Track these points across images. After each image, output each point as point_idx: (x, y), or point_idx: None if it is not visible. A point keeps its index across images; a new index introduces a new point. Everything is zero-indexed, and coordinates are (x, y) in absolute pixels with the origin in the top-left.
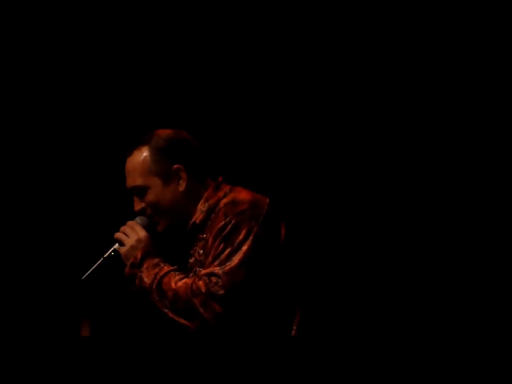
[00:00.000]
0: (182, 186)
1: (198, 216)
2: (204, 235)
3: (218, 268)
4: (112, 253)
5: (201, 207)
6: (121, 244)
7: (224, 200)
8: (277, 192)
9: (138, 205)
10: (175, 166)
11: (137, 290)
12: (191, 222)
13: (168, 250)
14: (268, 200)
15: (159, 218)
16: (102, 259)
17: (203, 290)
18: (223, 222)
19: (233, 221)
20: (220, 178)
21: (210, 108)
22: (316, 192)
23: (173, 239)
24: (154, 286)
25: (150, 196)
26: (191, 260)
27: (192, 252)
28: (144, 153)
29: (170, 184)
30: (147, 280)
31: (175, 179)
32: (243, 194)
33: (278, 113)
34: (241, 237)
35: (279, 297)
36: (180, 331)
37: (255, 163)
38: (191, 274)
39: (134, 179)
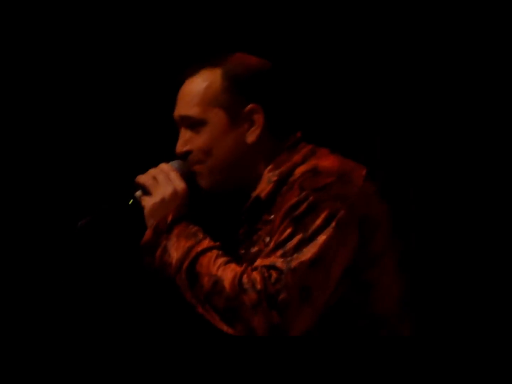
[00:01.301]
0: (252, 135)
1: (264, 188)
2: (272, 216)
3: (281, 260)
4: (130, 202)
5: (269, 174)
6: (146, 192)
7: (302, 168)
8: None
9: (182, 146)
10: (251, 105)
11: (155, 266)
12: (253, 194)
13: (209, 230)
14: (365, 172)
15: (206, 170)
16: (111, 206)
17: (259, 287)
18: (296, 199)
19: (310, 198)
20: (299, 134)
21: None
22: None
23: (219, 212)
24: (185, 265)
25: (204, 136)
26: (253, 250)
27: (254, 239)
28: (213, 77)
29: (237, 128)
30: (175, 253)
31: (245, 123)
32: (329, 161)
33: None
34: (319, 222)
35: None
36: (210, 332)
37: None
38: (245, 264)
39: (188, 107)
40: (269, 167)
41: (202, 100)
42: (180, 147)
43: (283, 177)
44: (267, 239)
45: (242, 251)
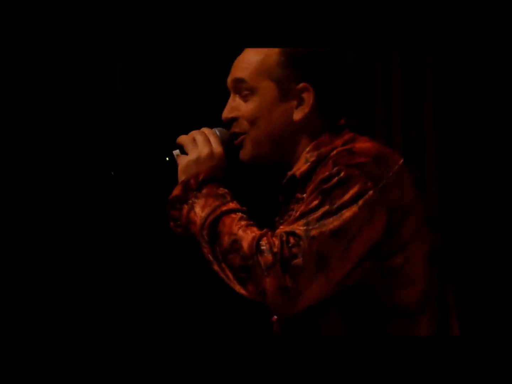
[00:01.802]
0: (300, 113)
1: (300, 167)
2: (304, 195)
3: (303, 228)
4: (167, 159)
5: (308, 155)
6: (183, 151)
7: (340, 148)
8: None
9: (229, 112)
10: (303, 84)
11: (181, 222)
12: (289, 173)
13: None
14: (402, 161)
15: (248, 140)
16: (147, 159)
17: (275, 250)
18: (328, 173)
19: (342, 173)
20: (343, 121)
21: None
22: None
23: (255, 186)
24: (208, 221)
25: (252, 105)
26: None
27: (285, 217)
28: (271, 50)
29: (286, 103)
30: (200, 211)
31: (295, 100)
32: (368, 144)
33: None
34: (346, 197)
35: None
36: (226, 291)
37: None
38: (266, 229)
39: (243, 71)
40: (308, 148)
41: (257, 68)
42: (227, 113)
43: (321, 158)
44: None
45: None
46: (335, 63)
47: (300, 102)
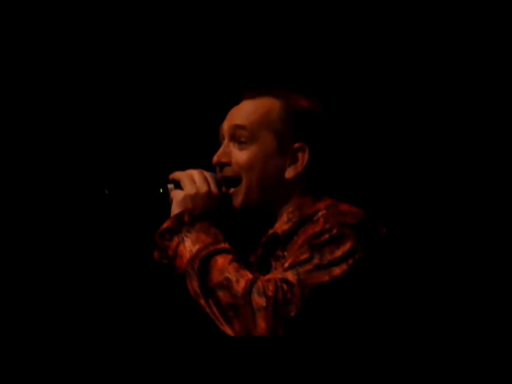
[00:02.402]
0: (292, 171)
1: (282, 226)
2: (285, 253)
3: (295, 277)
4: (161, 191)
5: (290, 215)
6: (179, 187)
7: (326, 210)
8: None
9: (222, 156)
10: (301, 143)
11: (167, 254)
12: (270, 231)
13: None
14: (385, 230)
15: (242, 187)
16: (141, 189)
17: (269, 293)
18: (320, 228)
19: (334, 230)
20: (320, 191)
21: None
22: None
23: (236, 228)
24: (200, 256)
25: (249, 154)
26: None
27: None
28: (273, 105)
29: (281, 158)
30: (191, 245)
31: (289, 157)
32: (354, 209)
33: None
34: (337, 254)
35: None
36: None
37: None
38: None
39: (245, 119)
40: (291, 208)
41: (260, 119)
42: (220, 157)
43: (303, 219)
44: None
45: None
46: (331, 127)
47: (294, 160)
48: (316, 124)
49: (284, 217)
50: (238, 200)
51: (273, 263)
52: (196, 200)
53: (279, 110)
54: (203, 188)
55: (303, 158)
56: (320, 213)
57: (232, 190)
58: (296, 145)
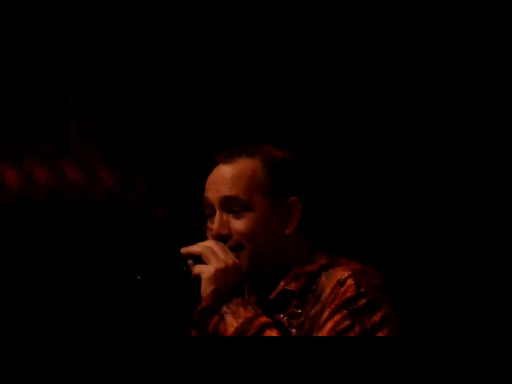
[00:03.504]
0: (290, 226)
1: (292, 283)
2: (299, 311)
3: None
4: (184, 268)
5: (298, 271)
6: (199, 261)
7: (342, 269)
8: None
9: (221, 228)
10: (293, 197)
11: (207, 331)
12: (280, 286)
13: None
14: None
15: (246, 255)
16: (163, 271)
17: None
18: (355, 293)
19: (369, 296)
20: (311, 241)
21: None
22: None
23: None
24: (246, 334)
25: (247, 222)
26: None
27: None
28: (254, 165)
29: (277, 217)
30: (234, 321)
31: (284, 213)
32: (370, 268)
33: None
34: (376, 319)
35: None
36: None
37: None
38: None
39: (233, 189)
40: (294, 262)
41: (248, 185)
42: (219, 229)
43: (311, 275)
44: (293, 331)
45: None
46: (310, 172)
47: (289, 215)
48: (297, 172)
49: (291, 273)
50: (243, 267)
51: (286, 321)
52: (227, 274)
53: (261, 169)
54: (229, 261)
55: (297, 211)
56: (341, 273)
57: (235, 254)
58: (290, 199)
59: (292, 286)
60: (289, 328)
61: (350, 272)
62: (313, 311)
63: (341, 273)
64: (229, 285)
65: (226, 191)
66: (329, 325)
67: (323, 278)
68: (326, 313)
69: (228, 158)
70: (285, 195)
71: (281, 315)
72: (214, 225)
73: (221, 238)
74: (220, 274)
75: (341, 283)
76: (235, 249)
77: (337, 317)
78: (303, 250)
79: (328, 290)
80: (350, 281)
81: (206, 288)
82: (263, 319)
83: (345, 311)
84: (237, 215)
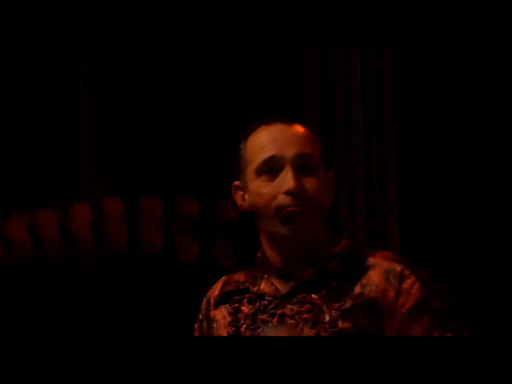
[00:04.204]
0: (330, 198)
1: (328, 263)
2: (339, 294)
3: None
4: None
5: (329, 249)
6: None
7: (389, 259)
8: None
9: (300, 185)
10: (331, 171)
11: None
12: (313, 264)
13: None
14: None
15: (309, 216)
16: None
17: None
18: (423, 294)
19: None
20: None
21: None
22: None
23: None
24: None
25: (317, 182)
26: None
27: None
28: (308, 132)
29: (326, 187)
30: None
31: (328, 186)
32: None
33: None
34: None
35: None
36: None
37: None
38: None
39: (309, 148)
40: (324, 241)
41: (318, 149)
42: (298, 186)
43: (344, 256)
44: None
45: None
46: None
47: (331, 187)
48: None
49: (323, 251)
50: (304, 233)
51: (325, 306)
52: None
53: (313, 137)
54: None
55: (333, 185)
56: (399, 268)
57: (297, 214)
58: (329, 173)
59: (331, 267)
60: (326, 309)
61: (402, 266)
62: (355, 294)
63: (389, 263)
64: None
65: (301, 147)
66: (418, 329)
67: (364, 263)
68: (400, 314)
69: (285, 119)
70: (325, 168)
71: (316, 296)
72: (289, 181)
73: (296, 196)
74: None
75: (397, 276)
76: (304, 213)
77: (424, 322)
78: (325, 229)
79: (376, 279)
80: (412, 278)
81: None
82: None
83: (430, 315)
84: (306, 176)
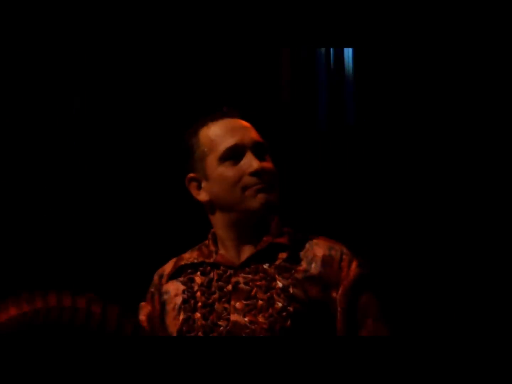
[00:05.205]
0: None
1: (279, 239)
2: (289, 264)
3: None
4: None
5: (280, 228)
6: None
7: (331, 241)
8: None
9: (259, 164)
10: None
11: None
12: (266, 238)
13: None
14: None
15: (276, 194)
16: None
17: None
18: (362, 271)
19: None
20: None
21: None
22: None
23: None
24: None
25: (271, 166)
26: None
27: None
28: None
29: None
30: None
31: None
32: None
33: None
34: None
35: None
36: None
37: None
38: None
39: (260, 138)
40: (275, 219)
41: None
42: (259, 164)
43: (291, 234)
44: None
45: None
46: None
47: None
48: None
49: (273, 228)
50: (275, 198)
51: (277, 274)
52: None
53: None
54: None
55: None
56: (339, 248)
57: (268, 190)
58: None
59: (281, 241)
60: (278, 277)
61: (341, 249)
62: (303, 267)
63: (331, 242)
64: None
65: (256, 137)
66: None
67: (308, 242)
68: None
69: (229, 115)
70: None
71: (267, 266)
72: (254, 162)
73: (260, 175)
74: None
75: (338, 252)
76: (269, 188)
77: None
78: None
79: (320, 254)
80: (350, 255)
81: None
82: None
83: (370, 293)
84: (262, 161)
